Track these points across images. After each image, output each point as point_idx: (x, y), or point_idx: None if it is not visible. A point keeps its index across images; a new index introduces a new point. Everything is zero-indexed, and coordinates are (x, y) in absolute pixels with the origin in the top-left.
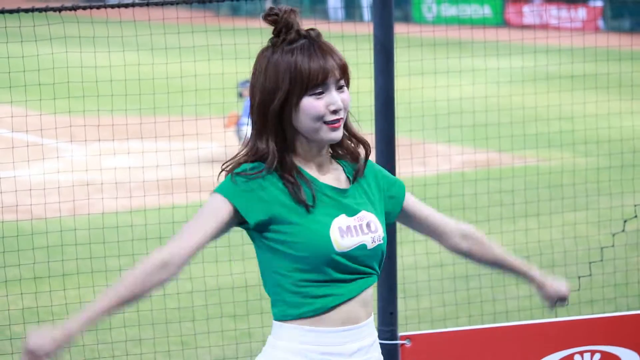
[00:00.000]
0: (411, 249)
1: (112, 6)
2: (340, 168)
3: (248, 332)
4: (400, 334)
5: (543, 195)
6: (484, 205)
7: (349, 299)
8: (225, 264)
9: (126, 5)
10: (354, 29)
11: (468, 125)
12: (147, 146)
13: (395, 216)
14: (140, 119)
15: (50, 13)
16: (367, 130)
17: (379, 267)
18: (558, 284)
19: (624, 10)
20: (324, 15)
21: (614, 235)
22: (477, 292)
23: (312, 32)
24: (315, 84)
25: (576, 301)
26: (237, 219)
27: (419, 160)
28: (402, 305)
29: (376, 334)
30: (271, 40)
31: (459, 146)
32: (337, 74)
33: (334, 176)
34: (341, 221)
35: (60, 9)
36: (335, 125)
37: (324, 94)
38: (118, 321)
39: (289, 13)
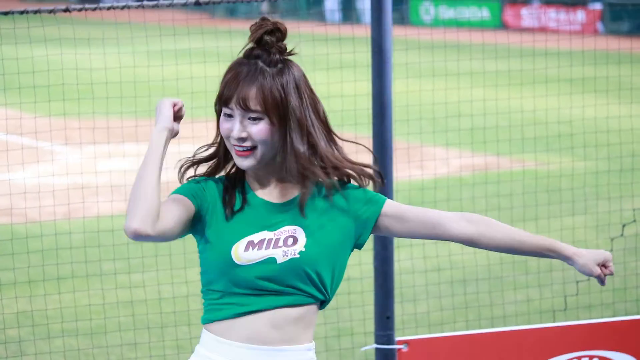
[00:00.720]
0: (408, 253)
1: (107, 8)
2: (298, 185)
3: None
4: (397, 338)
5: (541, 200)
6: (482, 209)
7: (252, 313)
8: None
9: (121, 7)
10: (352, 31)
11: (466, 128)
12: (142, 149)
13: (371, 229)
14: (136, 121)
15: (44, 14)
16: (364, 133)
17: (313, 286)
18: (595, 251)
19: (623, 13)
20: (321, 17)
21: (612, 239)
22: (475, 297)
23: (265, 56)
24: (223, 104)
25: (574, 306)
26: (192, 216)
27: (416, 164)
28: (399, 310)
29: None
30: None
31: (456, 150)
32: (245, 104)
33: (278, 193)
34: (257, 236)
35: (54, 11)
36: (240, 153)
37: (232, 118)
38: (113, 325)
39: (261, 27)
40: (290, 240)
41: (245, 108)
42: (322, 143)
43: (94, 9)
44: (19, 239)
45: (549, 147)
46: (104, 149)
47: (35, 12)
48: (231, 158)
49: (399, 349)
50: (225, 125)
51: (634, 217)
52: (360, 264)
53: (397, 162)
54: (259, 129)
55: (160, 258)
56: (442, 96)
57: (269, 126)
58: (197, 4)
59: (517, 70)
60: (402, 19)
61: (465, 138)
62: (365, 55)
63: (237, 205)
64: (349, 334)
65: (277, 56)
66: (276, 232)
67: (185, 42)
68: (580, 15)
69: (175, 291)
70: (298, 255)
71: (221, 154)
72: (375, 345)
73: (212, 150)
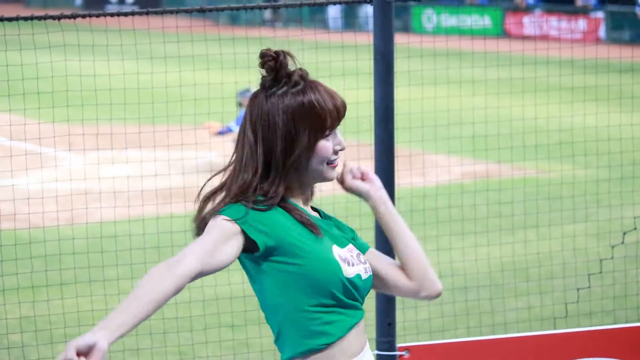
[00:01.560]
0: None
1: (112, 14)
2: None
3: (246, 342)
4: (398, 345)
5: (542, 207)
6: (483, 216)
7: (354, 326)
8: (224, 274)
9: (125, 14)
10: (354, 38)
11: (467, 136)
12: (145, 155)
13: None
14: (139, 128)
15: (49, 21)
16: (366, 140)
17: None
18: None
19: (625, 21)
20: (324, 24)
21: (613, 247)
22: (476, 304)
23: (303, 73)
24: (331, 126)
25: (575, 313)
26: (243, 243)
27: (418, 171)
28: (401, 316)
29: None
30: (266, 82)
31: (458, 157)
32: (343, 114)
33: (308, 210)
34: (337, 250)
35: (59, 17)
36: (335, 164)
37: (330, 135)
38: None
39: (284, 55)
40: (362, 258)
41: (343, 118)
42: None
43: (99, 16)
44: (22, 244)
45: (550, 155)
46: (107, 155)
47: (42, 18)
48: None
49: (401, 356)
50: (329, 144)
51: (635, 225)
52: None
53: (399, 169)
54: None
55: None
56: (444, 104)
57: None
58: (201, 11)
59: (518, 78)
60: (404, 27)
61: (467, 145)
62: (367, 62)
63: (312, 223)
64: None
65: (301, 70)
66: (346, 248)
67: (188, 49)
68: (581, 23)
69: (177, 297)
70: (371, 273)
71: (280, 192)
72: (376, 352)
73: (263, 192)
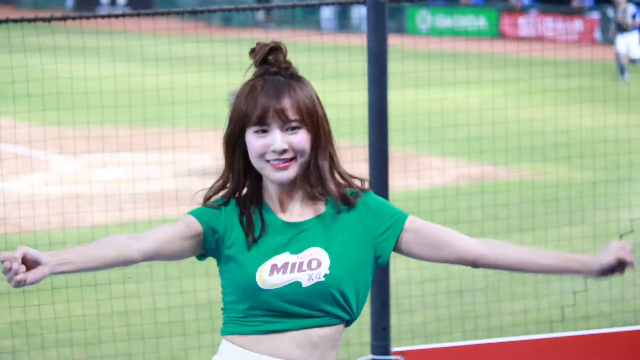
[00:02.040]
0: (405, 263)
1: (103, 16)
2: (321, 207)
3: None
4: (393, 349)
5: (538, 209)
6: (478, 219)
7: (277, 332)
8: (216, 277)
9: (117, 16)
10: (348, 40)
11: (462, 138)
12: (137, 158)
13: (392, 247)
14: (130, 130)
15: (39, 23)
16: (360, 142)
17: (339, 308)
18: (605, 252)
19: None
20: (317, 26)
21: None
22: (471, 307)
23: (285, 70)
24: (255, 121)
25: (572, 317)
26: (201, 239)
27: (412, 174)
28: (395, 320)
29: None
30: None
31: (453, 159)
32: (284, 115)
33: (297, 213)
34: (280, 259)
35: (50, 19)
36: (279, 165)
37: (267, 133)
38: (108, 335)
39: (267, 49)
40: (314, 263)
41: (284, 119)
42: (335, 156)
43: (90, 17)
44: (12, 248)
45: (546, 157)
46: (98, 158)
47: (32, 20)
48: (249, 182)
49: None
50: (259, 142)
51: (632, 227)
52: None
53: (393, 171)
54: (300, 139)
55: (154, 268)
56: (438, 105)
57: (307, 135)
58: (192, 12)
59: (514, 79)
60: (398, 28)
61: (461, 147)
62: (361, 64)
63: (258, 228)
64: (345, 344)
65: (292, 70)
66: (299, 255)
67: (180, 51)
68: (577, 24)
69: (170, 301)
70: (323, 279)
71: (238, 179)
72: (371, 356)
73: (225, 178)
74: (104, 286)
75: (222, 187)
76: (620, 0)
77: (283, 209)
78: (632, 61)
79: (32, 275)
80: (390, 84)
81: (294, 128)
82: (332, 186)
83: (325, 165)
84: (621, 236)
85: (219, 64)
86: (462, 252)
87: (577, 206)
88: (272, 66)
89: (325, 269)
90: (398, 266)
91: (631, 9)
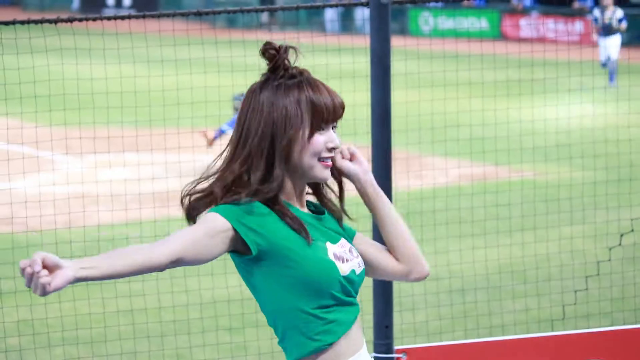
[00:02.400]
0: None
1: (109, 18)
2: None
3: (244, 345)
4: (396, 347)
5: (540, 209)
6: (481, 219)
7: (354, 321)
8: (221, 276)
9: (122, 17)
10: (351, 41)
11: (465, 138)
12: (143, 158)
13: None
14: (136, 131)
15: (46, 25)
16: (363, 143)
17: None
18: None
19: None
20: (321, 27)
21: (610, 249)
22: (473, 306)
23: (304, 71)
24: (328, 118)
25: (572, 315)
26: (234, 243)
27: (415, 174)
28: (398, 319)
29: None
30: (265, 75)
31: (455, 159)
32: (340, 112)
33: (302, 203)
34: (331, 249)
35: (56, 21)
36: (328, 163)
37: (324, 131)
38: (113, 334)
39: (286, 50)
40: (354, 252)
41: (340, 117)
42: None
43: (96, 19)
44: (19, 247)
45: (547, 157)
46: (104, 158)
47: (39, 21)
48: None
49: (398, 358)
50: (322, 139)
51: (632, 227)
52: None
53: (396, 172)
54: (339, 137)
55: None
56: (440, 106)
57: None
58: (197, 14)
59: (515, 80)
60: (401, 29)
61: (464, 148)
62: (364, 65)
63: (303, 226)
64: None
65: (305, 70)
66: (338, 244)
67: (185, 52)
68: (578, 26)
69: (175, 300)
70: (364, 267)
71: (282, 176)
72: (374, 355)
73: (255, 176)
74: (109, 285)
75: (264, 190)
76: (608, 3)
77: (301, 203)
78: (604, 65)
79: (58, 279)
80: (393, 84)
81: (335, 127)
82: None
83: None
84: (622, 236)
85: (224, 65)
86: (392, 274)
87: (578, 206)
88: (290, 65)
89: (359, 257)
90: None
91: (619, 12)
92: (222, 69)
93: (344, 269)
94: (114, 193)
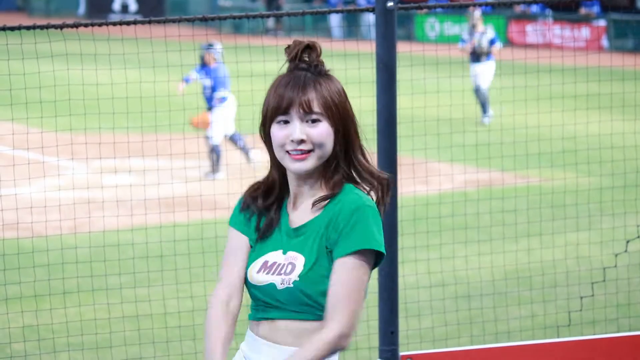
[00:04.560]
0: (413, 268)
1: (114, 23)
2: (322, 205)
3: None
4: (401, 353)
5: (545, 215)
6: (487, 224)
7: (270, 319)
8: None
9: (128, 23)
10: (357, 47)
11: (471, 144)
12: (148, 164)
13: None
14: (141, 136)
15: (52, 30)
16: (369, 148)
17: (313, 308)
18: None
19: (628, 29)
20: (327, 33)
21: (616, 255)
22: (479, 312)
23: (315, 67)
24: (278, 111)
25: (578, 322)
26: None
27: (421, 179)
28: (404, 325)
29: None
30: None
31: (461, 165)
32: (306, 106)
33: (301, 210)
34: (273, 256)
35: (62, 26)
36: (297, 156)
37: (289, 124)
38: (119, 340)
39: (301, 47)
40: (288, 268)
41: (307, 111)
42: (364, 151)
43: (101, 25)
44: (25, 253)
45: (553, 163)
46: (110, 164)
47: (44, 27)
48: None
49: None
50: (281, 132)
51: (638, 233)
52: None
53: (402, 177)
54: (319, 131)
55: (165, 273)
56: (447, 112)
57: (328, 128)
58: (203, 19)
59: (521, 86)
60: (407, 35)
61: (469, 154)
62: (370, 71)
63: (269, 224)
64: (354, 349)
65: (321, 68)
66: (285, 256)
67: (191, 58)
68: (584, 31)
69: (180, 306)
70: (292, 285)
71: (277, 175)
72: None
73: (270, 175)
74: (115, 290)
75: (267, 180)
76: (478, 23)
77: (295, 205)
78: (476, 90)
79: None
80: (399, 90)
81: (314, 120)
82: (367, 177)
83: (345, 161)
84: (628, 242)
85: (230, 71)
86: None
87: (584, 212)
88: (303, 63)
89: (295, 275)
90: (406, 271)
91: (490, 33)
92: (230, 74)
93: (257, 278)
94: (119, 199)
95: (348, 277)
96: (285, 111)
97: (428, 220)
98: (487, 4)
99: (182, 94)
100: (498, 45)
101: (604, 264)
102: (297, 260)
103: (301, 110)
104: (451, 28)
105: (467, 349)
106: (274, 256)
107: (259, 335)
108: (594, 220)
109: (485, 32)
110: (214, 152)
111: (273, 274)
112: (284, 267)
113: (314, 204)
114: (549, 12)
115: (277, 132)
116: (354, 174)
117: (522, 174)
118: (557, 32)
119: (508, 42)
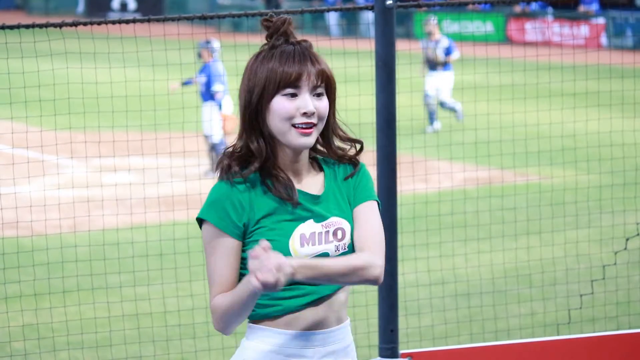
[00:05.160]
0: (412, 266)
1: (113, 22)
2: (321, 173)
3: None
4: (401, 351)
5: (545, 213)
6: (486, 222)
7: (315, 302)
8: None
9: (127, 21)
10: (356, 45)
11: (470, 142)
12: (148, 162)
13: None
14: (141, 135)
15: (50, 29)
16: (368, 147)
17: None
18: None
19: (627, 27)
20: (325, 31)
21: (616, 253)
22: (479, 310)
23: (303, 42)
24: (287, 83)
25: (578, 319)
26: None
27: (420, 178)
28: (404, 323)
29: (351, 339)
30: (262, 45)
31: (460, 163)
32: (313, 79)
33: (309, 182)
34: (306, 228)
35: (61, 25)
36: (305, 130)
37: (297, 97)
38: (119, 338)
39: (282, 21)
40: (339, 234)
41: (317, 84)
42: (337, 122)
43: (100, 23)
44: (24, 252)
45: (552, 161)
46: (109, 162)
47: (43, 25)
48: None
49: None
50: (290, 104)
51: (638, 231)
52: None
53: (401, 175)
54: (325, 105)
55: (165, 271)
56: (446, 110)
57: (327, 102)
58: (202, 18)
59: (520, 84)
60: (406, 33)
61: (469, 152)
62: (369, 69)
63: (290, 193)
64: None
65: (309, 42)
66: (324, 223)
67: (190, 56)
68: (583, 29)
69: (180, 304)
70: (347, 249)
71: (262, 147)
72: (379, 359)
73: (251, 145)
74: (114, 289)
75: (244, 158)
76: (434, 30)
77: (297, 178)
78: (441, 104)
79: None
80: (398, 88)
81: (319, 94)
82: (334, 150)
83: (332, 131)
84: (627, 240)
85: (228, 69)
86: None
87: (584, 210)
88: (286, 38)
89: (348, 239)
90: (406, 269)
91: (445, 42)
92: (227, 73)
93: (302, 252)
94: (119, 197)
95: (375, 218)
96: (297, 83)
97: (427, 219)
98: (486, 2)
99: (173, 93)
100: (455, 54)
101: (604, 262)
102: (343, 224)
103: (313, 82)
104: (450, 26)
105: (467, 347)
106: (308, 227)
107: (301, 327)
108: (594, 218)
109: (440, 41)
110: (214, 151)
111: (321, 243)
112: (330, 234)
113: (344, 180)
114: (548, 9)
115: (285, 104)
116: (334, 140)
117: (522, 172)
118: (556, 29)
119: (507, 40)
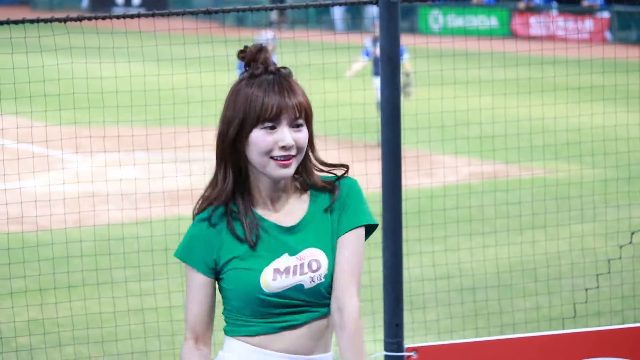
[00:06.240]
0: (418, 260)
1: (118, 16)
2: (307, 200)
3: None
4: (406, 345)
5: (550, 207)
6: (491, 217)
7: (290, 328)
8: None
9: (132, 16)
10: (360, 39)
11: (475, 136)
12: (153, 157)
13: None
14: (146, 130)
15: (55, 24)
16: (373, 141)
17: (326, 298)
18: None
19: (631, 21)
20: (330, 25)
21: (621, 247)
22: (484, 304)
23: (282, 70)
24: (267, 118)
25: (583, 313)
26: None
27: (425, 172)
28: (409, 317)
29: None
30: (242, 73)
31: (465, 157)
32: (292, 112)
33: (288, 210)
34: (280, 263)
35: (65, 20)
36: (284, 162)
37: (276, 130)
38: (124, 333)
39: (256, 49)
40: (314, 265)
41: (296, 116)
42: (316, 150)
43: (105, 18)
44: (30, 247)
45: (557, 155)
46: (114, 157)
47: (48, 20)
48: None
49: (409, 356)
50: (268, 138)
51: None
52: (370, 271)
53: (406, 170)
54: (304, 136)
55: (170, 266)
56: (450, 104)
57: (307, 132)
58: (207, 12)
59: (525, 78)
60: (411, 28)
61: (474, 146)
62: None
63: (254, 234)
64: None
65: (287, 70)
66: (298, 256)
67: (195, 51)
68: (588, 23)
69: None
70: (323, 280)
71: (229, 182)
72: (384, 353)
73: (220, 184)
74: (120, 284)
75: (217, 195)
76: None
77: (274, 208)
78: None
79: None
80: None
81: (298, 125)
82: (316, 178)
83: (311, 159)
84: (632, 234)
85: (234, 64)
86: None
87: (589, 204)
88: (265, 66)
89: (324, 269)
90: (411, 263)
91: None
92: (231, 68)
93: (274, 285)
94: (124, 192)
95: (356, 252)
96: (275, 117)
97: (432, 213)
98: None
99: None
100: (405, 57)
101: (609, 256)
102: (318, 255)
103: (291, 116)
104: (455, 20)
105: (472, 341)
106: (283, 262)
107: (276, 349)
108: (599, 212)
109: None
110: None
111: (295, 274)
112: (305, 265)
113: (325, 210)
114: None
115: (264, 137)
116: (315, 168)
117: (527, 166)
118: (561, 24)
119: (512, 35)
